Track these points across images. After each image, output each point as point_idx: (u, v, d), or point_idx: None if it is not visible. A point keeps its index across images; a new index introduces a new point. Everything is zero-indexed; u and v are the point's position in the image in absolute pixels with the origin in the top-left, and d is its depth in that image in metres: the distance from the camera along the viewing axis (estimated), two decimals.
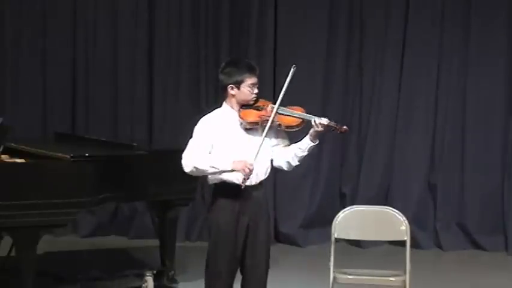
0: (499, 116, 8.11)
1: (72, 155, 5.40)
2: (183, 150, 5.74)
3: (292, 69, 4.69)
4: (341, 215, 5.43)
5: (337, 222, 5.41)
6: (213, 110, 4.79)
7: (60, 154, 5.47)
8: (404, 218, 5.42)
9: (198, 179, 6.15)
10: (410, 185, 8.16)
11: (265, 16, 8.12)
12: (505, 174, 8.07)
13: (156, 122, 8.16)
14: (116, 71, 8.14)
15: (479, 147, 8.11)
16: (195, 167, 4.60)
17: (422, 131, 8.16)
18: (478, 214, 8.10)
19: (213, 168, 4.58)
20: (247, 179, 4.54)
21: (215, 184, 4.72)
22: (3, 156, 5.57)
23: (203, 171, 4.61)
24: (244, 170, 4.52)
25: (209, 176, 4.72)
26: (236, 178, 4.61)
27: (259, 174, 4.68)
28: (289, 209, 8.02)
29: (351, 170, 8.28)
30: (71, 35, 8.13)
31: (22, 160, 5.54)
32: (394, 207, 5.61)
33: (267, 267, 4.79)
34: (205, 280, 4.75)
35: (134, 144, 6.16)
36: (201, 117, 4.76)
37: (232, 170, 4.56)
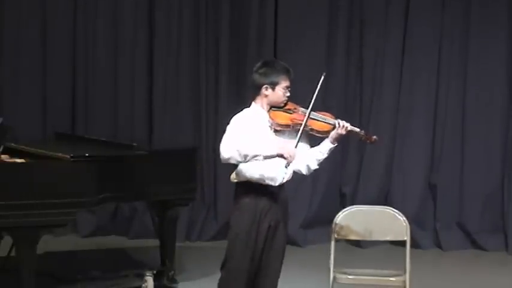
0: (499, 116, 8.11)
1: (72, 155, 5.40)
2: (183, 150, 5.77)
3: (322, 77, 4.69)
4: (341, 215, 5.44)
5: (337, 222, 5.41)
6: (242, 110, 4.75)
7: (60, 154, 5.47)
8: (405, 218, 5.42)
9: (198, 179, 6.16)
10: (410, 185, 8.16)
11: (265, 16, 8.12)
12: (505, 174, 8.08)
13: (156, 122, 8.16)
14: (116, 71, 8.14)
15: (479, 147, 8.11)
16: (237, 150, 4.49)
17: (422, 131, 8.16)
18: (478, 214, 8.10)
19: (257, 151, 4.50)
20: (290, 163, 4.53)
21: (237, 183, 4.72)
22: (3, 156, 5.57)
23: (246, 154, 4.50)
24: (289, 154, 4.50)
25: (233, 175, 4.71)
26: (261, 178, 4.62)
27: (285, 175, 4.70)
28: (289, 209, 8.00)
29: (351, 170, 8.28)
30: (71, 35, 8.13)
31: (22, 160, 5.54)
32: (394, 207, 5.62)
33: (281, 266, 4.81)
34: (223, 277, 4.76)
35: (134, 144, 6.15)
36: (232, 116, 4.72)
37: (275, 156, 4.52)
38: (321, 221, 7.76)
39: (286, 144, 4.59)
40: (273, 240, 4.73)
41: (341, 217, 5.42)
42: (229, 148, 4.52)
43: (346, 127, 4.69)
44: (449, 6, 8.08)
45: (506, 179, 8.06)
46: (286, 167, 4.55)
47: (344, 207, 5.65)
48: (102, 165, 5.48)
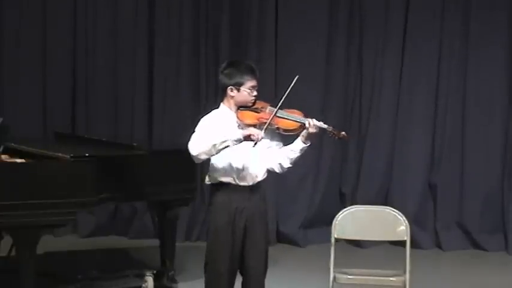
0: (499, 116, 8.11)
1: (72, 155, 5.40)
2: (182, 150, 5.75)
3: (295, 78, 4.66)
4: (341, 215, 5.43)
5: (337, 222, 5.41)
6: (210, 111, 4.78)
7: (60, 154, 5.47)
8: (404, 218, 5.42)
9: (198, 179, 6.16)
10: (410, 185, 8.15)
11: (265, 17, 8.12)
12: (505, 174, 8.07)
13: (156, 122, 8.16)
14: (116, 71, 8.14)
15: (479, 147, 8.10)
16: (205, 142, 4.50)
17: (422, 131, 8.16)
18: (478, 214, 8.10)
19: (223, 138, 4.48)
20: (257, 142, 4.50)
21: (212, 184, 4.74)
22: (3, 156, 5.57)
23: (213, 144, 4.49)
24: (255, 133, 4.49)
25: (206, 177, 4.74)
26: (232, 178, 4.65)
27: (258, 175, 4.71)
28: (289, 209, 8.02)
29: (351, 170, 8.28)
30: (71, 35, 8.13)
31: (22, 160, 5.54)
32: (394, 207, 5.62)
33: (265, 267, 4.80)
34: (206, 279, 4.77)
35: (134, 144, 6.16)
36: (200, 118, 4.75)
37: (243, 139, 4.51)
38: (321, 221, 7.76)
39: (254, 151, 4.58)
40: (252, 239, 4.73)
41: (341, 217, 5.42)
42: (197, 144, 4.54)
43: (315, 125, 4.61)
44: (450, 7, 8.07)
45: (506, 179, 8.06)
46: (253, 146, 4.52)
47: (344, 207, 5.65)
48: (102, 165, 5.48)
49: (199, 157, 4.57)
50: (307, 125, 4.61)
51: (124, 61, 8.13)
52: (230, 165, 4.65)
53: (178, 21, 8.11)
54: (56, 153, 5.51)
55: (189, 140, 4.62)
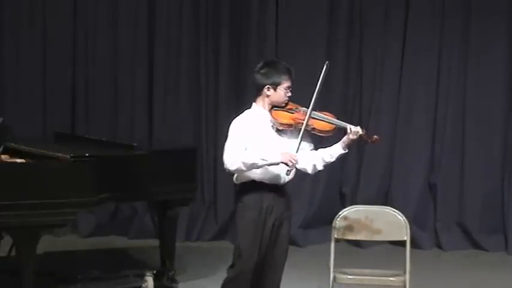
0: (499, 116, 8.11)
1: (72, 155, 5.40)
2: (183, 150, 5.78)
3: (324, 67, 4.75)
4: (341, 215, 5.44)
5: (337, 222, 5.41)
6: (243, 111, 4.80)
7: (60, 154, 5.47)
8: (404, 218, 5.42)
9: (198, 179, 6.17)
10: (410, 185, 8.15)
11: (265, 17, 8.12)
12: (505, 174, 8.07)
13: (156, 122, 8.16)
14: (116, 70, 8.14)
15: (479, 148, 8.10)
16: (243, 162, 4.58)
17: (422, 131, 8.16)
18: (478, 214, 8.10)
19: (263, 161, 4.57)
20: (291, 170, 4.60)
21: (243, 183, 4.75)
22: (3, 156, 5.58)
23: (252, 164, 4.57)
24: (290, 162, 4.55)
25: (238, 175, 4.75)
26: (265, 177, 4.68)
27: (287, 177, 4.75)
28: (291, 207, 8.00)
29: (351, 170, 8.28)
30: (71, 35, 8.13)
31: (22, 160, 5.54)
32: (394, 207, 5.62)
33: (284, 264, 4.87)
34: (229, 276, 4.77)
35: (134, 144, 6.16)
36: (233, 118, 4.78)
37: (279, 163, 4.58)
38: (321, 221, 7.76)
39: (288, 150, 4.62)
40: (277, 238, 4.79)
41: (341, 217, 5.42)
42: (234, 160, 4.60)
43: (358, 131, 4.69)
44: (450, 8, 8.07)
45: (506, 179, 8.06)
46: (287, 174, 4.62)
47: (344, 207, 5.65)
48: (102, 165, 5.48)
49: (236, 172, 4.67)
50: (348, 131, 4.68)
51: (124, 61, 8.13)
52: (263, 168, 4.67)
53: (178, 21, 8.11)
54: (56, 153, 5.51)
55: (219, 140, 4.67)
